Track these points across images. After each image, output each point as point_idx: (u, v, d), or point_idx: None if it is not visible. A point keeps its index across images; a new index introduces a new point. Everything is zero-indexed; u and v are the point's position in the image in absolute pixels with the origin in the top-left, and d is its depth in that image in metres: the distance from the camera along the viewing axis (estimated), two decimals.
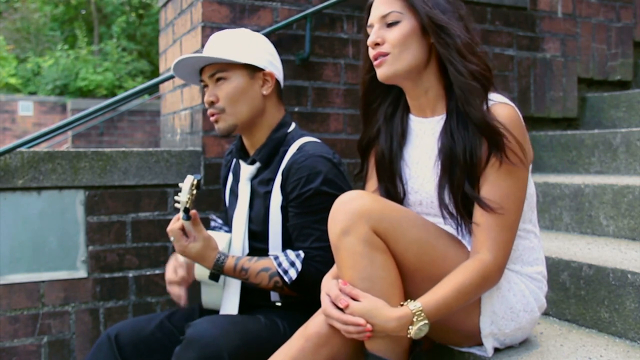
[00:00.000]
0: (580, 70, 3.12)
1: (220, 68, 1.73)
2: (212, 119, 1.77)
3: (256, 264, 1.67)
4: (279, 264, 1.65)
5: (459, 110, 1.41)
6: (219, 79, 1.73)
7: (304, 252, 1.66)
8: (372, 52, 1.45)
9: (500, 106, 1.39)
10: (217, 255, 1.66)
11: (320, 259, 1.63)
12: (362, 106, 1.60)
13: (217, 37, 1.77)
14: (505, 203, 1.36)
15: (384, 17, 1.43)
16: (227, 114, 1.74)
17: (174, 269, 1.81)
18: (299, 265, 1.64)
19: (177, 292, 1.77)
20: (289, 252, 1.67)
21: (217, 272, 1.66)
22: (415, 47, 1.42)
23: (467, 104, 1.37)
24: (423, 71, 1.46)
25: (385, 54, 1.42)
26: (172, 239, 1.68)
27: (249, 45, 1.76)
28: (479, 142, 1.38)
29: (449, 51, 1.39)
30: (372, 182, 1.60)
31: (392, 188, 1.54)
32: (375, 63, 1.45)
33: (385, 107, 1.56)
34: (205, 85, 1.78)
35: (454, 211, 1.43)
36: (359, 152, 1.63)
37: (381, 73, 1.44)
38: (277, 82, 1.80)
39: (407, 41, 1.41)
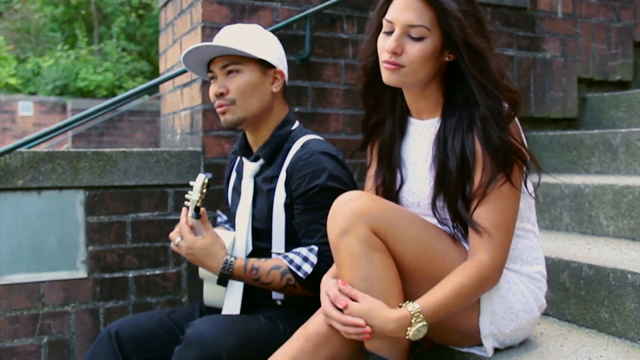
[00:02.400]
0: (580, 70, 3.12)
1: (234, 60, 1.72)
2: (219, 110, 1.75)
3: (266, 263, 1.66)
4: (290, 261, 1.64)
5: (457, 117, 1.41)
6: (230, 71, 1.72)
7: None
8: (386, 56, 1.40)
9: None
10: (226, 256, 1.66)
11: (329, 254, 1.61)
12: (364, 88, 1.56)
13: (230, 29, 1.76)
14: (500, 204, 1.37)
15: (411, 27, 1.37)
16: (237, 107, 1.73)
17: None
18: (313, 259, 1.63)
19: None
20: (300, 248, 1.67)
21: (227, 272, 1.65)
22: (431, 65, 1.40)
23: (491, 126, 1.36)
24: (430, 83, 1.45)
25: (401, 66, 1.39)
26: (177, 240, 1.68)
27: (262, 41, 1.76)
28: (473, 158, 1.38)
29: (485, 76, 1.37)
30: (372, 170, 1.61)
31: (389, 177, 1.54)
32: (386, 66, 1.41)
33: (390, 92, 1.55)
34: (212, 78, 1.77)
35: (448, 219, 1.43)
36: (363, 130, 1.61)
37: (388, 78, 1.42)
38: (284, 81, 1.81)
39: (427, 61, 1.38)
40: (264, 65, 1.75)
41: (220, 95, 1.73)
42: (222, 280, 1.67)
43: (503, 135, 1.36)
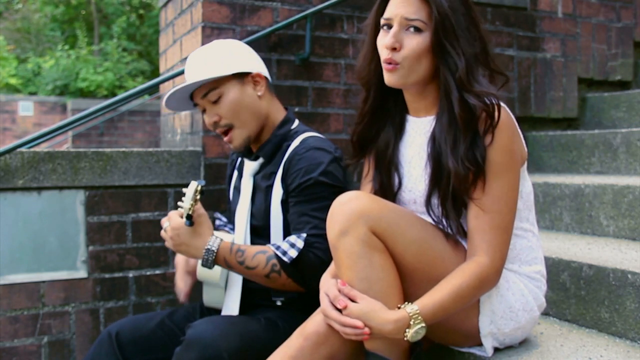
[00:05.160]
0: (581, 70, 3.12)
1: (211, 87, 1.71)
2: (225, 139, 1.76)
3: (253, 247, 1.65)
4: (277, 247, 1.62)
5: (447, 114, 1.41)
6: (213, 99, 1.71)
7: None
8: (386, 53, 1.41)
9: None
10: (213, 237, 1.63)
11: (318, 245, 1.62)
12: (372, 106, 1.55)
13: (194, 59, 1.74)
14: (497, 206, 1.36)
15: (408, 20, 1.38)
16: (237, 128, 1.74)
17: (185, 260, 1.84)
18: (300, 244, 1.61)
19: (180, 286, 1.81)
20: (289, 237, 1.65)
21: (212, 248, 1.60)
22: (429, 60, 1.40)
23: (463, 129, 1.36)
24: (430, 82, 1.45)
25: (397, 64, 1.39)
26: (165, 224, 1.66)
27: (227, 55, 1.74)
28: (471, 155, 1.37)
29: (448, 80, 1.37)
30: (370, 176, 1.60)
31: (387, 180, 1.54)
32: (387, 67, 1.42)
33: (392, 97, 1.54)
34: (203, 110, 1.77)
35: (442, 216, 1.43)
36: (357, 143, 1.59)
37: (391, 80, 1.42)
38: (266, 79, 1.80)
39: (424, 55, 1.39)
40: (239, 77, 1.73)
41: (216, 124, 1.74)
42: (207, 261, 1.61)
43: (465, 152, 1.35)
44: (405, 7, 1.38)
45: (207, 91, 1.72)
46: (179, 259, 1.87)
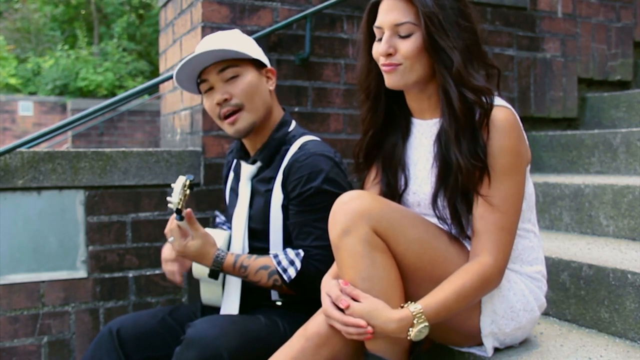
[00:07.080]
0: (580, 70, 3.12)
1: (231, 64, 1.70)
2: (229, 120, 1.71)
3: (256, 262, 1.66)
4: (279, 263, 1.65)
5: (448, 110, 1.41)
6: (229, 77, 1.70)
7: (303, 250, 1.65)
8: (382, 60, 1.42)
9: (498, 109, 1.38)
10: (217, 252, 1.66)
11: (320, 258, 1.63)
12: (381, 103, 1.54)
13: (215, 37, 1.75)
14: (503, 207, 1.36)
15: (398, 25, 1.39)
16: (246, 111, 1.71)
17: (170, 249, 1.81)
18: (298, 264, 1.64)
19: (171, 269, 1.78)
20: (289, 250, 1.67)
21: (217, 269, 1.66)
22: (426, 58, 1.40)
23: (464, 124, 1.37)
24: (431, 79, 1.45)
25: (397, 65, 1.40)
26: (170, 239, 1.68)
27: (249, 42, 1.78)
28: (473, 151, 1.37)
29: (445, 76, 1.37)
30: (377, 178, 1.59)
31: (394, 180, 1.54)
32: (385, 69, 1.42)
33: (397, 102, 1.54)
34: (207, 90, 1.74)
35: (448, 217, 1.43)
36: (365, 155, 1.58)
37: (391, 81, 1.43)
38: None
39: (420, 54, 1.39)
40: (258, 65, 1.76)
41: (224, 102, 1.70)
42: (214, 275, 1.68)
43: (464, 151, 1.36)
44: (393, 13, 1.39)
45: (225, 66, 1.70)
46: (165, 253, 1.83)
